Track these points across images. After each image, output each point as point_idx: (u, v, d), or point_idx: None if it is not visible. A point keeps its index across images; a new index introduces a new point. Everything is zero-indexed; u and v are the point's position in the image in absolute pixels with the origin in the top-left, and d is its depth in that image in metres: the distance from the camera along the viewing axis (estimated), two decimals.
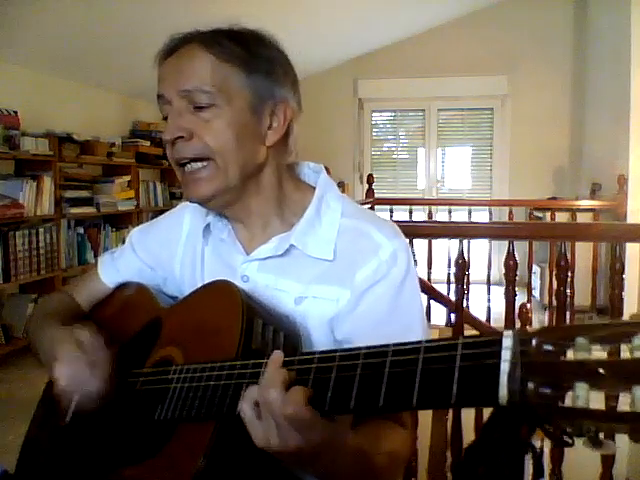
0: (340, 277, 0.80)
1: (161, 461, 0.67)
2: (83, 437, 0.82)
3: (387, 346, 0.53)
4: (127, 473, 0.71)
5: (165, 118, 0.80)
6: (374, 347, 0.54)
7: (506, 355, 0.43)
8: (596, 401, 0.39)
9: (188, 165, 0.79)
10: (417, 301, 0.83)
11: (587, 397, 0.39)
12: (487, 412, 0.47)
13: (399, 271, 0.80)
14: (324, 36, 4.96)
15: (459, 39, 5.71)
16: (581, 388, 0.39)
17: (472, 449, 0.47)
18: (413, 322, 0.80)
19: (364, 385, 0.53)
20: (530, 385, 0.42)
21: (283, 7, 3.92)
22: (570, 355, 0.41)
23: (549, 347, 0.42)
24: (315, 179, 0.89)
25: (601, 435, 0.40)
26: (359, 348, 0.55)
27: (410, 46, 5.81)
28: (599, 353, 0.40)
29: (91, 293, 1.01)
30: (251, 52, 0.79)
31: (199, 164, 0.79)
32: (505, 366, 0.43)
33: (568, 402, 0.40)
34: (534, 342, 0.43)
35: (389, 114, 6.46)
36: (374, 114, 6.35)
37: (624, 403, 0.38)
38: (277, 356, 0.60)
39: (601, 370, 0.39)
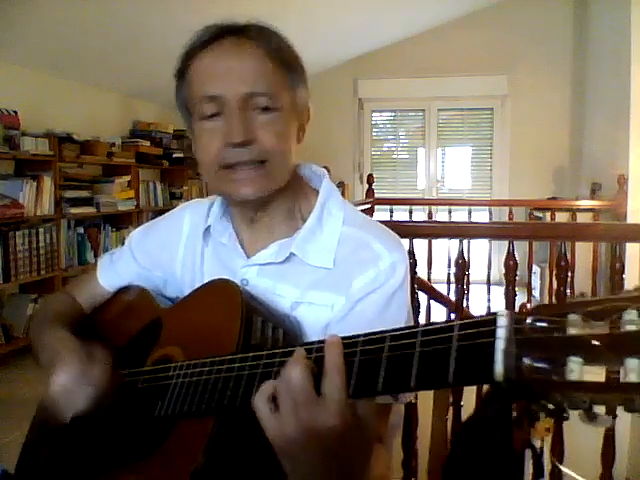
0: (336, 284, 0.80)
1: (160, 458, 0.67)
2: (83, 436, 0.82)
3: (385, 331, 0.54)
4: (126, 471, 0.71)
5: (210, 116, 0.77)
6: (372, 334, 0.55)
7: (501, 333, 0.44)
8: (591, 374, 0.40)
9: (238, 167, 0.78)
10: (403, 315, 0.81)
11: (580, 370, 0.40)
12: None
13: (394, 282, 0.80)
14: (324, 36, 4.96)
15: (459, 39, 5.71)
16: (574, 362, 0.40)
17: (467, 426, 0.48)
18: None
19: (363, 370, 0.54)
20: (525, 361, 0.43)
21: (283, 7, 3.91)
22: (564, 331, 0.42)
23: (543, 324, 0.43)
24: (317, 182, 0.89)
25: (596, 409, 0.41)
26: (357, 335, 0.56)
27: (410, 46, 5.81)
28: (592, 328, 0.41)
29: (91, 295, 1.01)
30: (291, 54, 0.81)
31: (251, 166, 0.77)
32: (500, 343, 0.44)
33: (563, 376, 0.41)
34: (528, 320, 0.44)
35: (389, 114, 6.46)
36: (374, 114, 6.35)
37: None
38: (301, 351, 0.58)
39: (595, 342, 0.40)
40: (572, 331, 0.41)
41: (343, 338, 0.57)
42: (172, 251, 0.94)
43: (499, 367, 0.43)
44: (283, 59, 0.79)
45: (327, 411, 0.53)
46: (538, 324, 0.43)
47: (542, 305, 0.45)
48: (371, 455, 0.66)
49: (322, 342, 0.57)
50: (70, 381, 0.75)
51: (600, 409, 0.41)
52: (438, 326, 0.51)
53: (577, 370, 0.40)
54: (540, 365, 0.42)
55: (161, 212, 1.03)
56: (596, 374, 0.40)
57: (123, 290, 1.00)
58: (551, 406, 0.43)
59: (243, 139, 0.75)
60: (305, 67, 0.84)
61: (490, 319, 0.46)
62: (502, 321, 0.45)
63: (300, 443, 0.55)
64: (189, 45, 0.80)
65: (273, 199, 0.82)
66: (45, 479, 0.86)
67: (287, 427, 0.55)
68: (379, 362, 0.52)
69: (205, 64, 0.78)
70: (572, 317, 0.42)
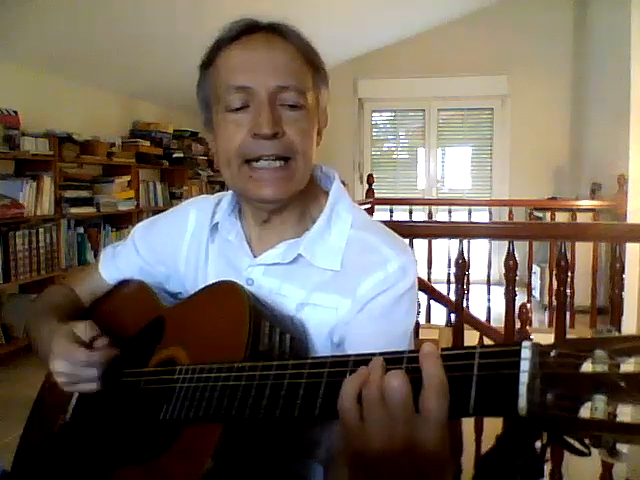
0: (342, 286, 0.79)
1: (167, 461, 0.67)
2: (85, 436, 0.82)
3: (402, 352, 0.52)
4: (133, 473, 0.70)
5: (238, 109, 0.77)
6: (388, 353, 0.53)
7: (525, 366, 0.43)
8: (620, 415, 0.39)
9: (262, 162, 0.77)
10: (410, 319, 0.81)
11: (605, 409, 0.39)
12: (487, 419, 0.47)
13: (404, 285, 0.79)
14: (324, 36, 4.95)
15: (459, 39, 5.71)
16: (600, 400, 0.39)
17: (487, 458, 0.46)
18: (399, 337, 0.78)
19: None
20: (549, 396, 0.42)
21: (283, 7, 3.91)
22: (589, 367, 0.41)
23: (568, 359, 0.42)
24: (327, 183, 0.88)
25: (618, 446, 0.40)
26: (372, 354, 0.54)
27: (410, 46, 5.82)
28: (618, 366, 0.40)
29: (91, 288, 1.00)
30: (316, 53, 0.82)
31: (275, 162, 0.77)
32: (524, 377, 0.43)
33: (586, 414, 0.40)
34: (552, 353, 0.43)
35: (389, 114, 6.46)
36: (374, 114, 6.35)
37: None
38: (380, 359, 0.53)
39: (622, 383, 0.39)
40: (598, 368, 0.40)
41: (357, 355, 0.55)
42: (176, 246, 0.93)
43: (523, 402, 0.42)
44: (310, 58, 0.80)
45: (427, 429, 0.48)
46: (563, 358, 0.42)
47: (567, 339, 0.44)
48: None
49: (413, 352, 0.51)
50: (69, 367, 0.76)
51: (623, 447, 0.40)
52: (458, 352, 0.49)
53: (602, 409, 0.39)
54: (564, 401, 0.41)
55: (161, 212, 1.03)
56: (625, 415, 0.39)
57: (124, 284, 0.99)
58: (573, 442, 0.42)
59: (272, 131, 0.74)
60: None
61: (514, 350, 0.45)
62: (526, 353, 0.44)
63: (389, 461, 0.49)
64: (218, 37, 0.80)
65: (289, 201, 0.82)
66: (46, 478, 0.85)
67: (376, 440, 0.49)
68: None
69: (235, 55, 0.78)
70: (599, 353, 0.41)
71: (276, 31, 0.79)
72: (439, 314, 3.44)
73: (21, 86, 3.77)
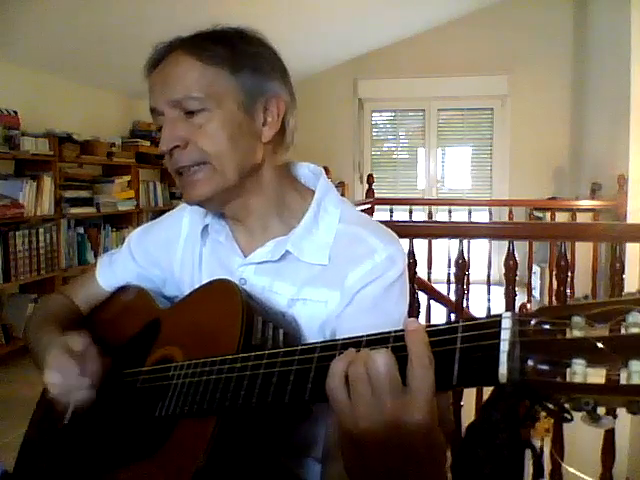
0: (331, 280, 0.80)
1: (161, 458, 0.67)
2: (83, 436, 0.82)
3: (388, 332, 0.54)
4: (127, 471, 0.71)
5: (160, 129, 0.79)
6: (375, 334, 0.54)
7: (505, 335, 0.45)
8: (594, 376, 0.40)
9: (185, 171, 0.79)
10: (401, 308, 0.81)
11: (584, 372, 0.40)
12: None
13: (392, 274, 0.79)
14: (324, 36, 4.96)
15: (459, 39, 5.71)
16: (578, 364, 0.41)
17: (472, 428, 0.47)
18: (391, 327, 0.78)
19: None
20: (529, 363, 0.43)
21: (283, 7, 3.92)
22: (567, 333, 0.42)
23: (547, 326, 0.43)
24: (314, 182, 0.88)
25: (600, 410, 0.41)
26: (360, 336, 0.55)
27: (410, 46, 5.81)
28: (595, 330, 0.41)
29: (89, 296, 1.01)
30: (235, 51, 0.78)
31: (196, 167, 0.78)
32: (504, 345, 0.44)
33: (566, 378, 0.41)
34: (532, 322, 0.44)
35: (389, 114, 6.46)
36: (374, 114, 6.35)
37: (621, 377, 0.39)
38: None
39: (599, 345, 0.40)
40: (576, 333, 0.41)
41: (345, 339, 0.56)
42: (171, 251, 0.94)
43: (503, 369, 0.44)
44: (219, 58, 0.77)
45: (414, 404, 0.48)
46: (542, 326, 0.43)
47: (545, 307, 0.45)
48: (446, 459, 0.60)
49: (399, 331, 0.53)
50: (63, 378, 0.77)
51: (603, 410, 0.41)
52: (441, 327, 0.50)
53: (581, 372, 0.40)
54: (544, 367, 0.42)
55: (161, 212, 1.03)
56: (599, 376, 0.40)
57: (121, 290, 1.00)
58: (554, 407, 0.43)
59: (167, 147, 0.77)
60: (274, 61, 0.82)
61: (494, 321, 0.46)
62: (506, 323, 0.45)
63: (378, 437, 0.50)
64: (147, 59, 0.82)
65: (240, 196, 0.82)
66: (45, 479, 0.85)
67: (364, 417, 0.50)
68: None
69: (149, 81, 0.81)
70: (576, 319, 0.42)
71: (182, 46, 0.79)
72: (439, 314, 3.43)
73: (21, 86, 3.77)
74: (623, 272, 1.93)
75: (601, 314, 0.41)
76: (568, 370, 0.41)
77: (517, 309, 1.89)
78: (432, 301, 2.63)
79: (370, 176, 4.85)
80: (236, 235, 0.88)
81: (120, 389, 0.81)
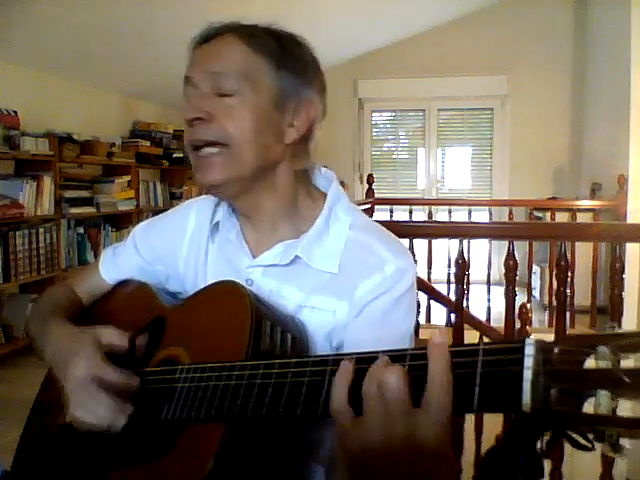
0: (340, 289, 0.79)
1: (169, 462, 0.66)
2: (85, 437, 0.81)
3: (405, 350, 0.52)
4: (134, 473, 0.70)
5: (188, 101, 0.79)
6: (391, 351, 0.53)
7: (528, 362, 0.44)
8: (623, 410, 0.40)
9: (203, 149, 0.78)
10: (409, 321, 0.81)
11: (609, 404, 0.40)
12: (487, 417, 0.47)
13: (401, 287, 0.78)
14: (324, 36, 4.95)
15: (459, 39, 5.71)
16: (603, 396, 0.40)
17: (491, 456, 0.47)
18: (398, 340, 0.77)
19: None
20: (553, 392, 0.42)
21: (283, 7, 3.91)
22: (592, 363, 0.41)
23: (571, 355, 0.43)
24: (326, 186, 0.88)
25: (622, 440, 0.40)
26: (377, 352, 0.54)
27: (410, 46, 5.81)
28: (621, 362, 0.40)
29: (91, 288, 1.00)
30: (284, 49, 0.80)
31: (214, 149, 0.77)
32: (528, 373, 0.43)
33: (590, 409, 0.40)
34: (556, 350, 0.43)
35: (389, 114, 6.46)
36: (374, 114, 6.35)
37: None
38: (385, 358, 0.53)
39: (626, 379, 0.39)
40: (601, 364, 0.41)
41: (363, 353, 0.54)
42: (176, 246, 0.93)
43: (527, 398, 0.43)
44: (267, 49, 0.78)
45: (427, 426, 0.47)
46: (566, 355, 0.43)
47: (572, 335, 0.45)
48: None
49: (416, 349, 0.51)
50: (86, 377, 0.71)
51: (626, 442, 0.41)
52: (462, 349, 0.49)
53: (605, 404, 0.40)
54: (568, 397, 0.42)
55: (161, 212, 1.02)
56: (627, 409, 0.39)
57: (124, 284, 0.98)
58: (577, 437, 0.42)
59: (193, 115, 0.77)
60: (318, 72, 0.83)
61: (517, 347, 0.45)
62: (530, 350, 0.44)
63: (385, 458, 0.48)
64: (192, 38, 0.83)
65: (252, 190, 0.81)
66: (45, 479, 0.85)
67: (373, 437, 0.48)
68: None
69: (193, 54, 0.82)
70: (601, 349, 0.41)
71: (236, 30, 0.80)
72: (439, 314, 3.44)
73: (21, 86, 3.77)
74: (623, 272, 1.93)
75: (628, 346, 0.40)
76: (593, 400, 0.40)
77: (517, 309, 1.89)
78: (432, 301, 2.63)
79: (370, 176, 4.85)
80: (246, 235, 0.87)
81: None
